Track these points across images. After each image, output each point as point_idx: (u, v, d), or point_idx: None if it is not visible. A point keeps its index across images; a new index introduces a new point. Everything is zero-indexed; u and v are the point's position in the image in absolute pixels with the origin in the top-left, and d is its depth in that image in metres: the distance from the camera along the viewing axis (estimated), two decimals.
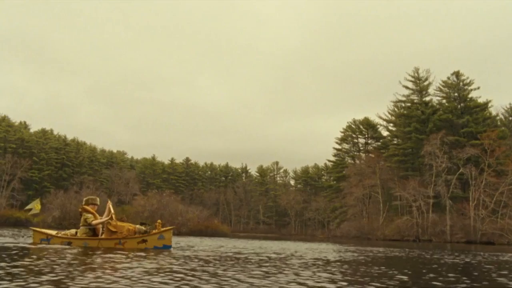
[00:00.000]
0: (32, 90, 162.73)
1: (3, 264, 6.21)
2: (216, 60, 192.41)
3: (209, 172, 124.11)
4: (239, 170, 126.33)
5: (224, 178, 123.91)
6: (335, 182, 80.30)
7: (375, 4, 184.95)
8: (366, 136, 78.01)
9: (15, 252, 8.79)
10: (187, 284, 4.84)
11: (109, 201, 12.91)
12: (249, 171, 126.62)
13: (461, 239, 53.73)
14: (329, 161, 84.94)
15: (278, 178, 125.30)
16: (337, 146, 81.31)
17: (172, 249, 11.75)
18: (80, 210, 12.48)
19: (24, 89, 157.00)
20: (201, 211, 45.78)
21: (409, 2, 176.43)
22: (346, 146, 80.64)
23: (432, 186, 57.16)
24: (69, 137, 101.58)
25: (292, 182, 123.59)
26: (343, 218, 72.41)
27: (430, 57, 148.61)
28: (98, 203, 12.77)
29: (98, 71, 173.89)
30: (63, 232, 12.47)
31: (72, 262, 7.15)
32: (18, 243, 12.07)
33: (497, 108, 73.15)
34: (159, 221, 12.61)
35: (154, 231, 11.83)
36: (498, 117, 72.45)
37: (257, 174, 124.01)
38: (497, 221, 52.34)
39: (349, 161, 78.93)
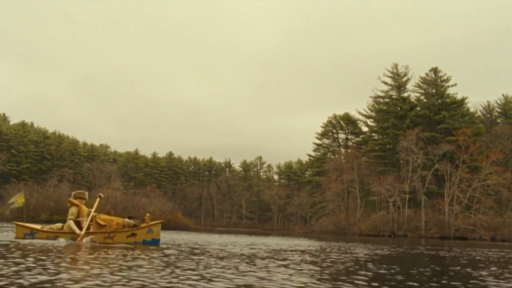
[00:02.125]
0: (17, 85, 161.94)
1: None
2: (198, 59, 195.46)
3: (193, 167, 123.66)
4: (223, 165, 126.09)
5: (207, 173, 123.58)
6: (314, 177, 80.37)
7: (352, 4, 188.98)
8: (346, 131, 78.14)
9: None
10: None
11: (100, 195, 12.87)
12: (233, 165, 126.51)
13: (435, 234, 54.20)
14: (309, 156, 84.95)
15: (261, 173, 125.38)
16: (318, 141, 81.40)
17: (160, 243, 11.63)
18: (68, 205, 12.27)
19: (8, 84, 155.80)
20: (165, 205, 45.43)
21: (385, 3, 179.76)
22: (326, 141, 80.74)
23: (408, 182, 57.52)
24: (51, 131, 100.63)
25: (275, 177, 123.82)
26: (322, 213, 72.63)
27: (409, 56, 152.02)
28: (87, 197, 12.56)
29: (83, 67, 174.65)
30: (48, 226, 12.15)
31: (64, 257, 6.91)
32: None
33: (475, 105, 73.96)
34: (148, 214, 12.61)
35: (143, 224, 11.72)
36: (476, 114, 73.25)
37: (241, 169, 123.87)
38: (470, 217, 52.92)
39: (330, 156, 79.03)
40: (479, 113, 74.03)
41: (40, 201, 37.19)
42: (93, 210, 11.99)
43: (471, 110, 70.17)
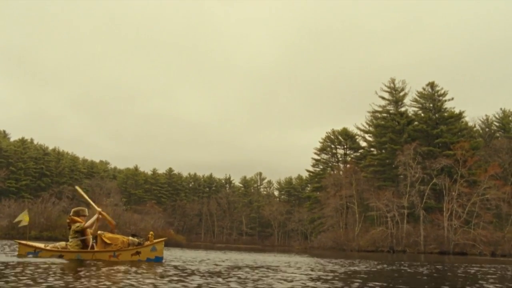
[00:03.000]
0: (17, 102, 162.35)
1: None
2: (196, 75, 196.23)
3: (193, 183, 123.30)
4: (223, 181, 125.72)
5: (207, 189, 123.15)
6: (313, 192, 79.93)
7: (350, 19, 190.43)
8: (345, 146, 77.94)
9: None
10: None
11: (98, 212, 12.29)
12: (233, 182, 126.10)
13: (435, 250, 53.54)
14: (308, 171, 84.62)
15: (262, 189, 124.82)
16: (316, 157, 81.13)
17: (163, 261, 11.63)
18: (68, 221, 11.96)
19: (8, 101, 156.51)
20: (156, 221, 45.04)
21: (382, 18, 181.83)
22: (325, 156, 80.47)
23: (406, 197, 57.07)
24: (51, 147, 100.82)
25: (276, 193, 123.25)
26: (321, 229, 71.98)
27: (406, 70, 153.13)
28: (87, 214, 12.21)
29: (81, 84, 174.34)
30: (52, 245, 11.87)
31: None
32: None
33: (473, 119, 73.78)
34: (151, 232, 12.41)
35: (147, 242, 11.72)
36: (475, 128, 73.05)
37: (241, 185, 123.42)
38: (470, 232, 52.30)
39: (329, 171, 78.71)
40: (477, 127, 73.86)
41: (30, 218, 36.59)
42: (93, 228, 11.78)
43: (470, 124, 70.05)
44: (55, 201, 55.35)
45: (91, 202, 12.36)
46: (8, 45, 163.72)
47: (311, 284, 6.60)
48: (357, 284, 6.85)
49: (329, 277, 7.92)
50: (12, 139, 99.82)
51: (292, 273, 8.80)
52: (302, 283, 6.70)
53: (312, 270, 9.88)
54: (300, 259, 17.76)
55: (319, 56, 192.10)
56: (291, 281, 6.95)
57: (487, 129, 74.23)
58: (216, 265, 10.90)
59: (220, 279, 6.85)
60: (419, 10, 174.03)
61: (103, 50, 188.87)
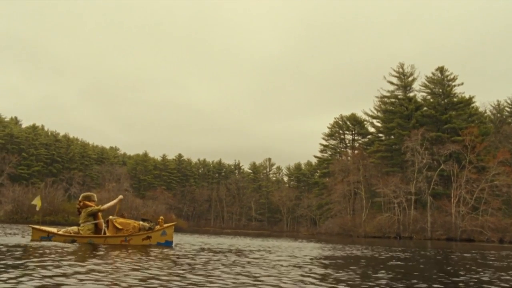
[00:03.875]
0: (29, 91, 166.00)
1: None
2: (204, 65, 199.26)
3: (202, 169, 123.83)
4: (232, 167, 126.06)
5: (217, 175, 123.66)
6: (321, 178, 79.75)
7: (356, 7, 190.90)
8: (353, 132, 77.35)
9: (17, 251, 8.02)
10: None
11: (120, 197, 12.89)
12: (242, 167, 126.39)
13: (442, 236, 53.18)
14: (316, 157, 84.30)
15: (271, 175, 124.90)
16: (324, 142, 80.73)
17: (173, 245, 11.89)
18: (78, 207, 12.22)
19: (21, 90, 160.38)
20: (158, 206, 45.46)
21: (390, 6, 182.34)
22: (333, 142, 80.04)
23: (414, 183, 56.61)
24: (61, 133, 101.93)
25: (285, 179, 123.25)
26: (328, 215, 71.96)
27: (415, 58, 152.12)
28: (96, 199, 12.52)
29: (92, 73, 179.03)
30: (64, 229, 12.15)
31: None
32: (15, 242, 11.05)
33: (484, 104, 72.57)
34: (161, 217, 12.61)
35: (157, 227, 11.98)
36: (486, 114, 71.87)
37: (250, 170, 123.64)
38: (478, 218, 51.77)
39: (338, 157, 78.32)
40: (488, 113, 72.63)
41: (42, 203, 37.10)
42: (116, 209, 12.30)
43: (480, 109, 68.93)
44: (58, 187, 56.24)
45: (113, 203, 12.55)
46: (23, 37, 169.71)
47: (283, 268, 6.55)
48: (326, 270, 6.76)
49: (305, 263, 7.84)
50: (23, 126, 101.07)
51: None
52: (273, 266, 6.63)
53: (292, 256, 9.80)
54: (300, 244, 17.70)
55: (325, 46, 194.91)
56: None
57: (498, 115, 72.93)
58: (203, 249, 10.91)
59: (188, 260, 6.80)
60: None
61: (113, 41, 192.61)
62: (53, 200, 39.00)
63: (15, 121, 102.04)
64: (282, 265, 7.36)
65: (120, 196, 12.93)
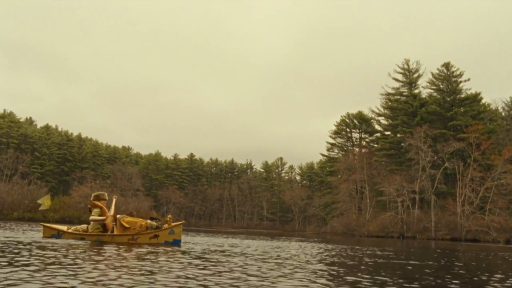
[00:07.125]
0: (45, 94, 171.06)
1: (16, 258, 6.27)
2: (214, 69, 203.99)
3: (214, 168, 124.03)
4: (244, 166, 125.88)
5: (229, 174, 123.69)
6: (327, 177, 78.80)
7: (359, 12, 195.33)
8: (360, 130, 76.09)
9: (29, 247, 8.46)
10: None
11: (114, 198, 13.45)
12: (254, 167, 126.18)
13: (446, 236, 51.72)
14: (323, 155, 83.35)
15: (283, 174, 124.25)
16: (331, 141, 79.68)
17: (181, 244, 12.00)
18: (89, 206, 12.67)
19: (39, 94, 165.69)
20: (140, 203, 45.42)
21: (395, 8, 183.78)
22: (340, 140, 78.91)
23: (418, 181, 55.23)
24: (75, 134, 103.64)
25: (298, 178, 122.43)
26: (334, 214, 71.00)
27: (424, 55, 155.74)
28: (107, 198, 12.92)
29: (106, 77, 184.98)
30: (73, 227, 12.55)
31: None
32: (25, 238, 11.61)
33: (496, 101, 70.35)
34: (169, 216, 12.80)
35: (165, 226, 12.13)
36: (498, 111, 69.67)
37: (262, 170, 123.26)
38: (483, 218, 50.09)
39: (343, 155, 77.23)
40: (500, 110, 70.26)
41: (15, 199, 38.23)
42: (111, 211, 12.54)
43: (492, 106, 66.83)
44: (39, 183, 57.46)
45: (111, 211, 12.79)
46: (40, 43, 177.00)
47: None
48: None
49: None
50: (38, 126, 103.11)
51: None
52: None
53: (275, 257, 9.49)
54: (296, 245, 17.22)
55: (330, 49, 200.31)
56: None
57: (510, 112, 70.48)
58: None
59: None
60: None
61: (126, 46, 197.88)
62: (34, 197, 39.37)
63: (29, 122, 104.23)
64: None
65: (115, 197, 13.59)
